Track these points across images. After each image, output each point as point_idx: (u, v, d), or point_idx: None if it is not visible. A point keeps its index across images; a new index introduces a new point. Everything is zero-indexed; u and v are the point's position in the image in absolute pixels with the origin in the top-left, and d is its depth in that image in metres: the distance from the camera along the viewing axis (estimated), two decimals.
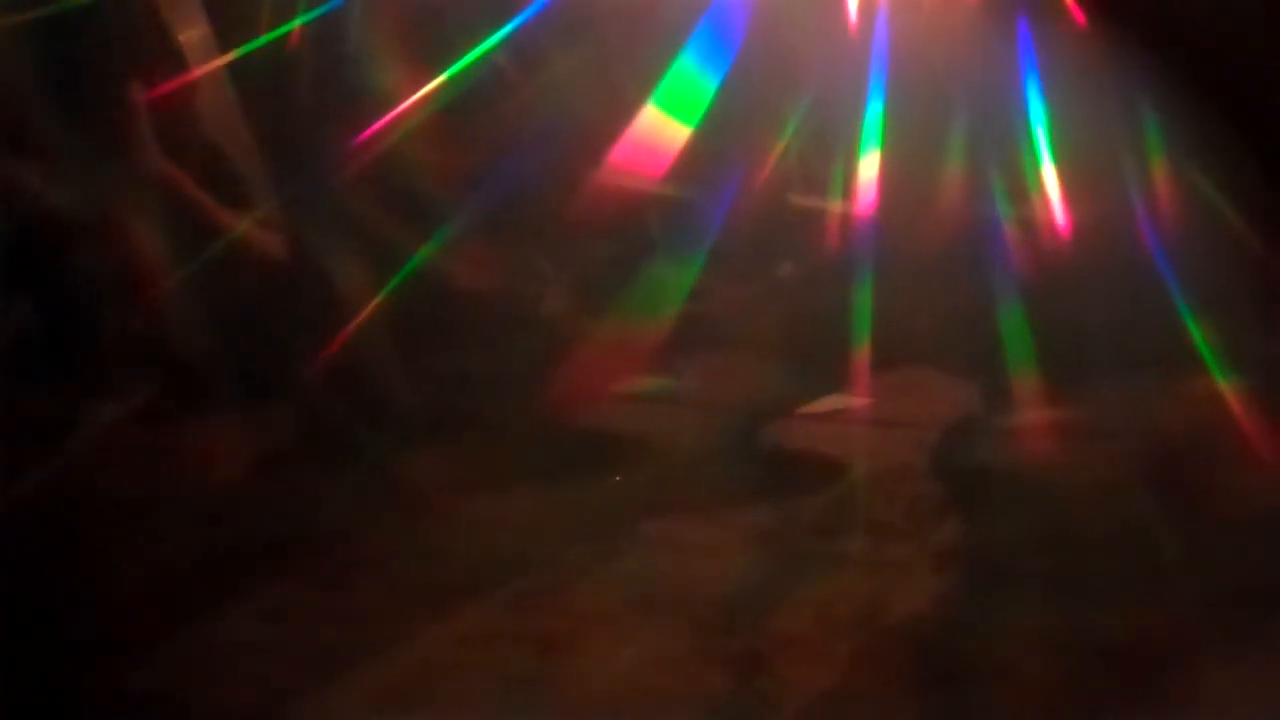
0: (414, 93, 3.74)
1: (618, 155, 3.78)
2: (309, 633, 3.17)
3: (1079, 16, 4.04)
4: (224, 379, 3.55)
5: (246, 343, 3.58)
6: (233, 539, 3.32)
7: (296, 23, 3.76)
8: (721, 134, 3.85)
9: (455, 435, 3.59)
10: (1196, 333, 3.70)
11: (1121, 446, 3.58)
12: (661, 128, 3.83)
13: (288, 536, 3.35)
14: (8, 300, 3.43)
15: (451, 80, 3.76)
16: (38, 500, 3.27)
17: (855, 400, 3.73)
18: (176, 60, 3.66)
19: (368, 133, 3.69)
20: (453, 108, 3.76)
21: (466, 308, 3.72)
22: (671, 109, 3.84)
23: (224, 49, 3.69)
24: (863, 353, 3.69)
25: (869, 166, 3.96)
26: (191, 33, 3.68)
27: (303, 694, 3.02)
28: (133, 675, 3.03)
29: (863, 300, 3.72)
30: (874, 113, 3.96)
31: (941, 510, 3.47)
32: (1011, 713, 3.02)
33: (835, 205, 3.95)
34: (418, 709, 3.02)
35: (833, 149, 4.00)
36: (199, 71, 3.67)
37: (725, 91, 3.84)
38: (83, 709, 2.98)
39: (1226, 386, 3.67)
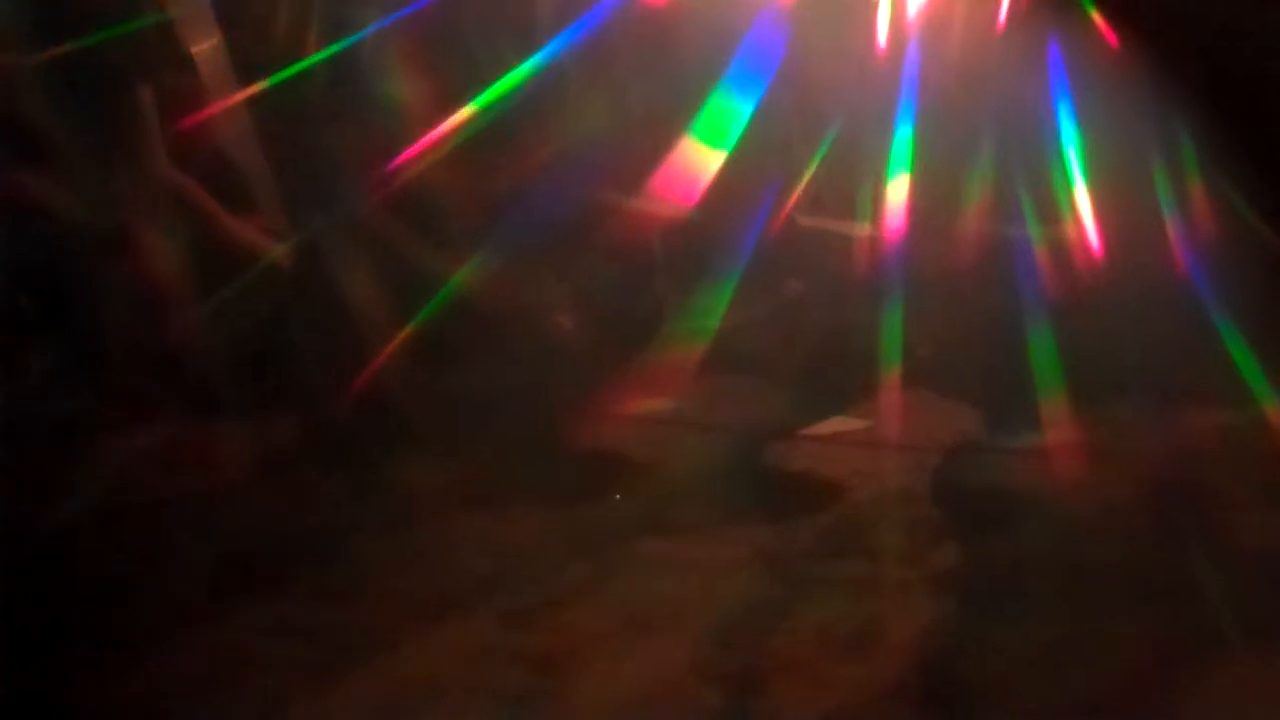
0: (440, 120, 3.78)
1: (637, 180, 3.80)
2: (309, 645, 3.21)
3: (1110, 37, 4.01)
4: (234, 392, 3.60)
5: (257, 356, 3.62)
6: (235, 550, 3.36)
7: (326, 52, 3.80)
8: (744, 158, 3.85)
9: (458, 452, 3.61)
10: (1235, 354, 3.66)
11: (1134, 471, 3.54)
12: (688, 154, 3.84)
13: (289, 549, 3.38)
14: (24, 311, 3.50)
15: (479, 109, 3.79)
16: (44, 509, 3.33)
17: (860, 422, 3.71)
18: (201, 84, 3.72)
19: (395, 160, 3.72)
20: (478, 135, 3.79)
21: (473, 327, 3.74)
22: (700, 135, 3.86)
23: (250, 76, 3.75)
24: (871, 375, 3.68)
25: (896, 189, 3.95)
26: (215, 56, 3.74)
27: (302, 705, 3.05)
28: (133, 684, 3.08)
29: (874, 322, 3.71)
30: (903, 135, 3.95)
31: (941, 533, 3.46)
32: None
33: (850, 226, 3.94)
34: None
35: (860, 171, 4.00)
36: (223, 95, 3.73)
37: (743, 113, 3.85)
38: (84, 717, 3.03)
39: (1254, 412, 3.62)
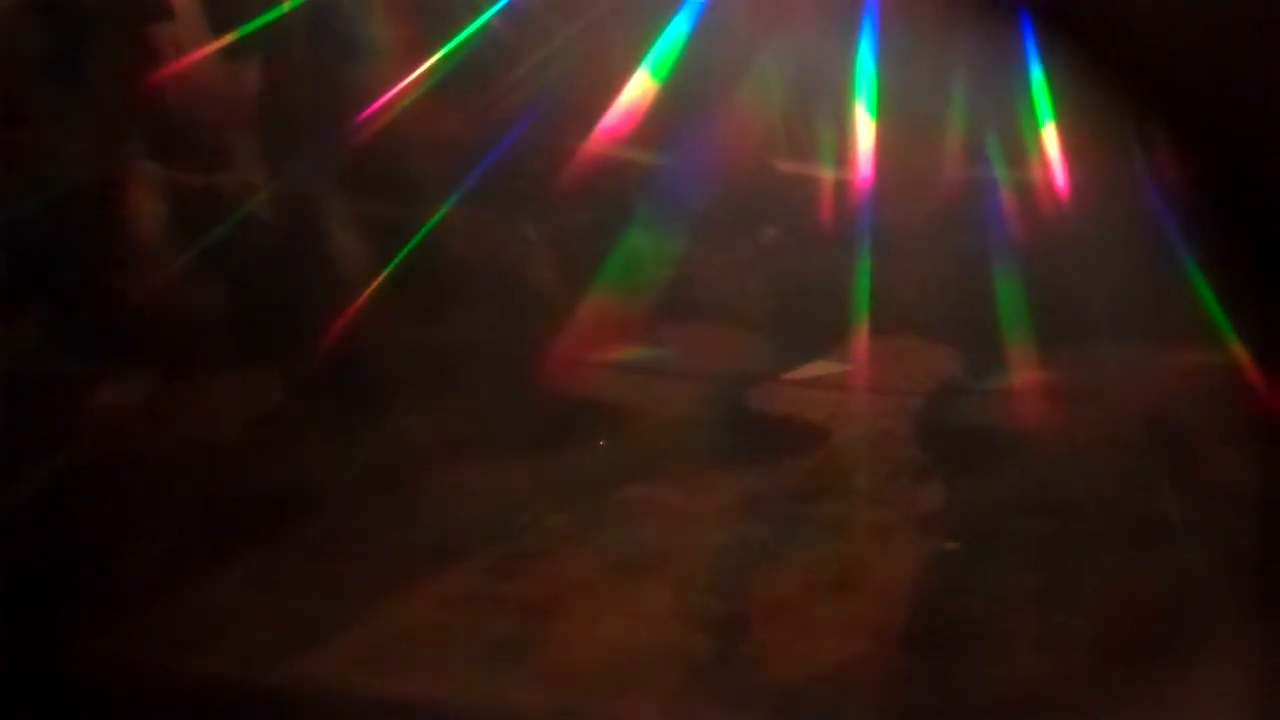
0: (412, 67, 3.74)
1: (603, 122, 3.78)
2: (293, 599, 3.21)
3: None
4: (213, 346, 3.57)
5: (236, 310, 3.60)
6: (218, 504, 3.35)
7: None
8: (707, 99, 3.83)
9: (440, 402, 3.60)
10: (1203, 297, 3.67)
11: (1111, 411, 3.56)
12: (647, 94, 3.82)
13: (273, 502, 3.37)
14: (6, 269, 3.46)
15: (448, 53, 3.76)
16: (25, 467, 3.31)
17: (840, 366, 3.71)
18: (175, 34, 3.68)
19: (367, 110, 3.69)
20: (447, 79, 3.76)
21: (451, 275, 3.72)
22: (659, 75, 3.83)
23: (223, 25, 3.71)
24: (850, 319, 3.68)
25: (861, 131, 3.94)
26: (190, 8, 3.70)
27: (287, 659, 3.05)
28: (119, 640, 3.07)
29: (852, 266, 3.70)
30: (867, 76, 3.94)
31: (925, 475, 3.47)
32: (996, 676, 3.03)
33: (826, 171, 3.93)
34: (401, 673, 3.05)
35: (824, 113, 3.98)
36: (196, 45, 3.69)
37: (713, 56, 3.83)
38: (67, 675, 3.01)
39: (1227, 352, 3.64)
